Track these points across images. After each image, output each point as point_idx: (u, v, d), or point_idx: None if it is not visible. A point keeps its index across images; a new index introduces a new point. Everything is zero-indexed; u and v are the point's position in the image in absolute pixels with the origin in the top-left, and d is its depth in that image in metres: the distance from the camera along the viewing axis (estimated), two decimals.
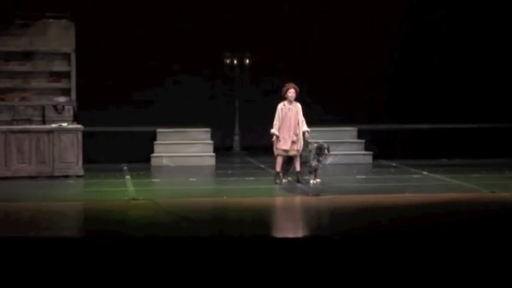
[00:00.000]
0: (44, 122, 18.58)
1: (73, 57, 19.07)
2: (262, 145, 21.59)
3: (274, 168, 16.93)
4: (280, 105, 16.58)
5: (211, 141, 20.84)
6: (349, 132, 21.33)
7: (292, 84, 16.55)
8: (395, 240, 11.29)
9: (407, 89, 21.99)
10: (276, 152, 16.59)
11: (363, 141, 21.11)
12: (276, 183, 16.64)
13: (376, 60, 22.01)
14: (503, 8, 21.79)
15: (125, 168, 19.30)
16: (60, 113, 18.80)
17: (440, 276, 9.34)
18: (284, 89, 16.59)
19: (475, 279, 9.19)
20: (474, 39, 22.16)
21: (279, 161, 16.62)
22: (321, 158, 16.56)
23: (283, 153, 16.49)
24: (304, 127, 16.61)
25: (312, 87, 21.52)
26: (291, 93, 16.48)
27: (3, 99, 18.83)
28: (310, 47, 22.10)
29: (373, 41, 22.11)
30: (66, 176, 17.93)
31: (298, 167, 16.58)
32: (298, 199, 15.63)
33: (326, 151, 16.59)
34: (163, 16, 21.52)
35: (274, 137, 16.52)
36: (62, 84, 19.19)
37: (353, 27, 22.13)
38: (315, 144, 16.71)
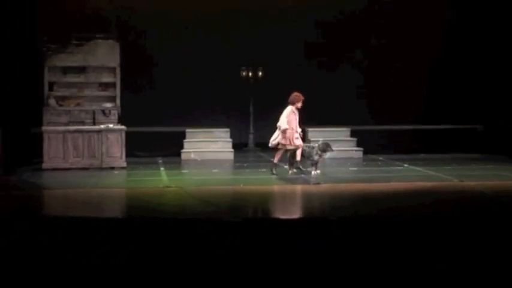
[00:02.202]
0: (94, 124, 18.68)
1: (118, 70, 19.19)
2: None
3: (273, 159, 16.86)
4: (290, 109, 16.47)
5: (230, 139, 20.76)
6: (343, 132, 21.21)
7: (302, 96, 16.49)
8: (384, 220, 11.34)
9: (392, 97, 21.86)
10: (283, 146, 16.52)
11: (355, 139, 21.06)
12: (273, 173, 16.59)
13: (366, 74, 21.91)
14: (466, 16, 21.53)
15: (160, 161, 19.24)
16: (107, 116, 18.89)
17: (421, 249, 9.28)
18: (296, 97, 16.52)
19: (449, 253, 9.10)
20: (453, 48, 21.91)
21: (281, 154, 16.60)
22: (323, 154, 16.57)
23: (291, 147, 16.46)
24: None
25: (312, 95, 21.61)
26: (301, 103, 16.49)
27: (61, 105, 18.94)
28: (310, 62, 21.95)
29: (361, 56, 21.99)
30: (112, 168, 17.93)
31: (299, 158, 16.55)
32: (301, 187, 15.48)
33: (330, 148, 16.60)
34: (191, 36, 21.45)
35: (284, 133, 16.36)
36: (108, 93, 19.30)
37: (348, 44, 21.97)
38: (319, 142, 16.71)
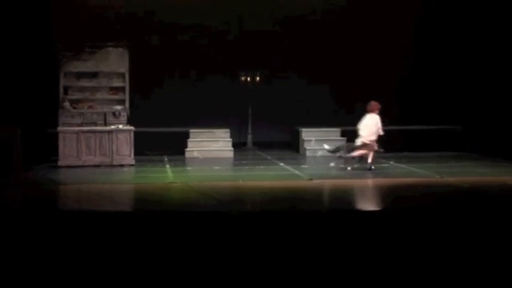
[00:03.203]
0: (105, 125, 18.68)
1: (127, 76, 19.22)
2: (268, 142, 21.77)
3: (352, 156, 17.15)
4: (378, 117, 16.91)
5: (230, 139, 20.75)
6: (334, 132, 21.20)
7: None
8: (371, 213, 11.40)
9: (379, 100, 21.80)
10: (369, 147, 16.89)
11: (345, 138, 21.00)
12: (348, 168, 16.89)
13: (357, 80, 21.85)
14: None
15: (166, 159, 19.23)
16: (117, 118, 18.91)
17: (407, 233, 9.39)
18: (378, 106, 17.05)
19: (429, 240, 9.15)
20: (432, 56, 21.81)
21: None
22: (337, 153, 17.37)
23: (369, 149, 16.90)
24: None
25: (307, 100, 21.72)
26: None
27: (75, 108, 18.95)
28: (306, 68, 21.88)
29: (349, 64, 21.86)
30: (122, 165, 17.93)
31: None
32: (295, 182, 15.38)
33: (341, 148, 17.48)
34: (195, 45, 21.50)
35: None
36: (118, 96, 19.32)
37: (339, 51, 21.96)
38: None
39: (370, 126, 16.93)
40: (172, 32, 21.34)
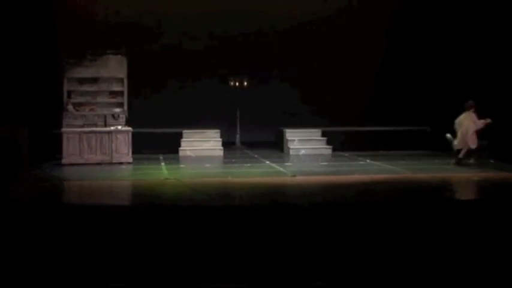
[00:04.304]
0: (105, 126, 18.62)
1: (125, 81, 19.14)
2: (255, 141, 21.79)
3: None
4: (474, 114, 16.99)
5: (220, 139, 20.75)
6: (315, 133, 21.27)
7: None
8: (349, 206, 11.45)
9: (357, 103, 21.92)
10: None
11: (325, 138, 21.13)
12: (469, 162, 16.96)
13: (335, 84, 21.91)
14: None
15: (161, 157, 19.19)
16: (116, 119, 18.85)
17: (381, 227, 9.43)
18: (473, 104, 17.10)
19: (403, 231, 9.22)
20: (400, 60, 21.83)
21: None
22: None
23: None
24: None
25: (289, 103, 21.77)
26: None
27: (78, 110, 18.89)
28: (290, 74, 21.93)
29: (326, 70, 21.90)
30: (121, 163, 17.94)
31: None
32: (280, 178, 15.39)
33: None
34: (187, 52, 21.51)
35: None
36: (117, 100, 19.21)
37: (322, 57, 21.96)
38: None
39: (466, 123, 17.03)
40: (168, 40, 21.37)
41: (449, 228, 9.34)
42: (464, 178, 15.22)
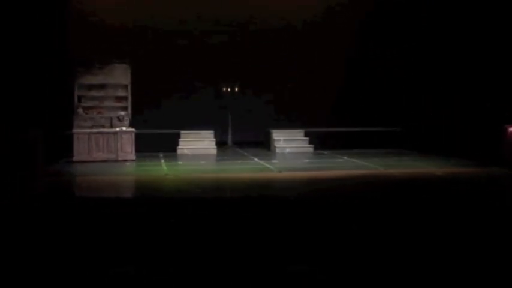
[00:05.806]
0: (111, 127, 18.67)
1: (129, 87, 19.19)
2: (245, 141, 21.77)
3: None
4: None
5: (214, 139, 20.76)
6: (299, 133, 21.33)
7: None
8: (329, 198, 11.49)
9: (334, 107, 21.92)
10: None
11: (308, 138, 21.20)
12: None
13: (319, 89, 21.90)
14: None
15: (161, 155, 19.22)
16: (121, 121, 18.88)
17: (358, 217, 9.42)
18: None
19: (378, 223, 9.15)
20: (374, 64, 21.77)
21: None
22: None
23: None
24: None
25: (277, 104, 21.76)
26: None
27: (87, 113, 18.91)
28: (276, 78, 21.89)
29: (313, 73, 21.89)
30: (125, 160, 17.96)
31: None
32: (268, 174, 15.38)
33: None
34: (185, 60, 21.48)
35: None
36: (122, 104, 19.26)
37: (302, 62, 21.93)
38: None
39: None
40: (168, 51, 21.35)
41: (414, 216, 9.40)
42: (428, 173, 15.28)
